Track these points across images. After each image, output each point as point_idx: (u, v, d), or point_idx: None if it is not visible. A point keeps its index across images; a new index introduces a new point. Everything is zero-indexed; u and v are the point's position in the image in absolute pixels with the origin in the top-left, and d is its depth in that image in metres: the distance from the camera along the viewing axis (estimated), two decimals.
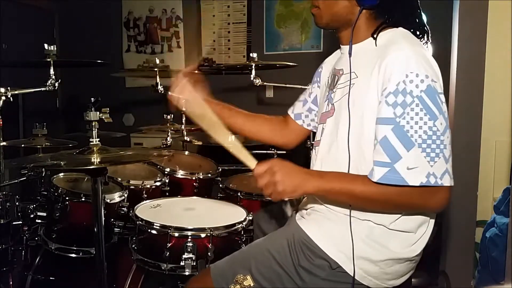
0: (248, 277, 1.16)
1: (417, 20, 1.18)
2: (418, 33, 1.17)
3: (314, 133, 1.35)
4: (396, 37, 1.11)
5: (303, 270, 1.14)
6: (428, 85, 1.00)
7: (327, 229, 1.15)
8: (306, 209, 1.25)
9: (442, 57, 2.50)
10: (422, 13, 1.19)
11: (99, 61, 1.89)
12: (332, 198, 1.12)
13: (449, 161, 1.01)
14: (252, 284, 1.15)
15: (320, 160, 1.22)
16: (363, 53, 1.15)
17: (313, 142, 1.34)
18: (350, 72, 1.15)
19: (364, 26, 1.16)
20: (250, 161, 1.14)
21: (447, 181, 1.00)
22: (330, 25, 1.21)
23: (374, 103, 1.06)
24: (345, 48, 1.21)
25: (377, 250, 1.11)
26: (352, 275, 1.10)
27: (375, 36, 1.13)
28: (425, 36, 1.18)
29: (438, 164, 0.99)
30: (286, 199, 1.15)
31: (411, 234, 1.13)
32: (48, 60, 1.74)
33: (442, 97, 1.03)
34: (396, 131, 1.00)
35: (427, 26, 1.19)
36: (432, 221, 1.17)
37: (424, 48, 1.12)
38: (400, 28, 1.15)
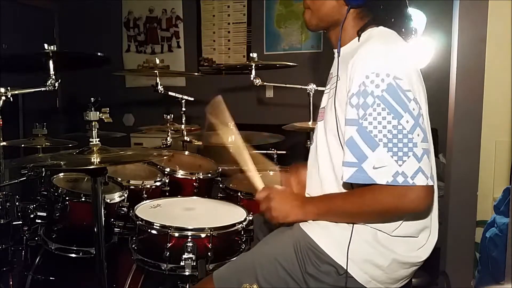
0: (255, 286, 1.13)
1: (404, 19, 1.17)
2: (403, 32, 1.16)
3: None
4: (371, 36, 1.11)
5: (310, 277, 1.12)
6: (389, 84, 0.99)
7: (332, 233, 1.13)
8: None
9: (442, 57, 2.52)
10: (409, 12, 1.19)
11: (98, 53, 1.88)
12: (330, 220, 1.15)
13: (422, 159, 0.98)
14: None
15: (313, 162, 1.23)
16: (346, 54, 1.15)
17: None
18: (337, 75, 1.16)
19: (351, 27, 1.17)
20: (258, 184, 1.29)
21: (421, 181, 0.97)
22: (319, 26, 1.22)
23: (345, 104, 1.06)
24: (335, 51, 1.22)
25: (382, 254, 1.10)
26: (358, 279, 1.09)
27: (359, 33, 1.13)
28: (411, 35, 1.18)
29: (408, 163, 0.97)
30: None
31: (414, 239, 1.13)
32: (48, 58, 1.74)
33: (410, 94, 1.00)
34: (360, 132, 1.00)
35: (413, 25, 1.19)
36: (435, 227, 1.16)
37: (399, 45, 1.10)
38: (380, 27, 1.14)
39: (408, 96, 1.00)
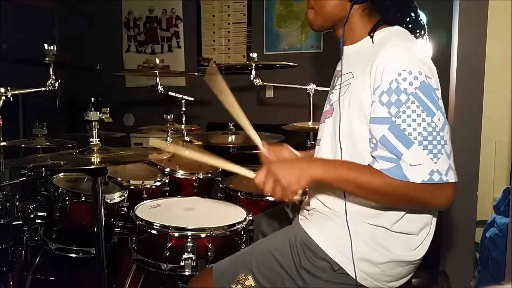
0: (250, 277, 1.16)
1: (412, 15, 1.17)
2: (414, 29, 1.16)
3: (315, 133, 1.35)
4: (390, 35, 1.11)
5: (305, 271, 1.13)
6: (422, 82, 1.00)
7: (328, 230, 1.14)
8: (308, 210, 1.24)
9: (442, 57, 2.52)
10: (418, 9, 1.19)
11: (97, 67, 1.88)
12: (337, 187, 1.08)
13: (451, 157, 1.00)
14: (253, 284, 1.15)
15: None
16: (359, 52, 1.15)
17: (313, 142, 1.34)
18: (341, 70, 1.15)
19: (359, 24, 1.16)
20: (248, 173, 1.13)
21: (452, 177, 0.99)
22: (324, 26, 1.21)
23: (369, 102, 1.05)
24: (344, 49, 1.21)
25: (379, 252, 1.10)
26: (354, 277, 1.09)
27: (371, 34, 1.13)
28: (422, 32, 1.17)
29: (441, 160, 0.98)
30: (297, 197, 1.06)
31: (414, 237, 1.13)
32: (48, 60, 1.74)
33: (438, 93, 1.02)
34: (393, 130, 1.00)
35: (423, 22, 1.18)
36: (434, 224, 1.16)
37: (418, 45, 1.11)
38: (396, 26, 1.14)
39: (437, 95, 1.01)
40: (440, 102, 1.01)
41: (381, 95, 1.01)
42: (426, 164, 0.98)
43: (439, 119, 0.99)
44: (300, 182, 1.04)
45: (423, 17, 1.21)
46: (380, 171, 1.01)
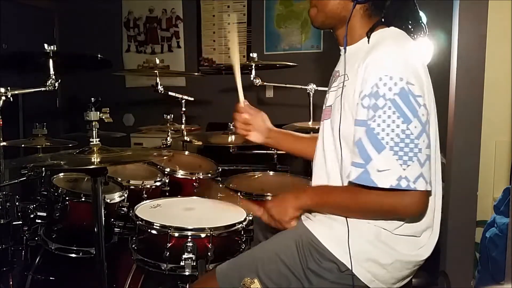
0: (256, 280, 1.14)
1: (413, 15, 1.17)
2: (414, 30, 1.16)
3: (315, 133, 1.36)
4: (383, 37, 1.11)
5: (312, 273, 1.13)
6: (402, 88, 0.99)
7: (335, 231, 1.14)
8: (312, 211, 1.24)
9: (442, 57, 2.52)
10: (418, 9, 1.18)
11: (98, 56, 1.88)
12: (326, 211, 1.17)
13: (424, 165, 0.99)
14: (259, 287, 1.14)
15: (320, 160, 1.23)
16: (355, 54, 1.14)
17: None
18: (339, 71, 1.16)
19: (359, 25, 1.16)
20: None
21: (422, 185, 0.98)
22: (325, 24, 1.21)
23: (356, 104, 1.06)
24: (342, 50, 1.21)
25: (385, 252, 1.10)
26: (361, 278, 1.10)
27: (369, 34, 1.13)
28: (421, 33, 1.17)
29: (411, 167, 0.98)
30: (295, 222, 1.23)
31: (416, 238, 1.13)
32: (48, 58, 1.74)
33: (421, 100, 1.00)
34: (368, 134, 1.00)
35: (424, 23, 1.18)
36: (437, 227, 1.16)
37: (411, 49, 1.09)
38: (392, 28, 1.14)
39: (419, 102, 1.00)
40: (421, 110, 1.00)
41: (363, 98, 1.02)
42: (394, 169, 0.98)
43: (415, 127, 0.98)
44: (288, 214, 1.21)
45: (423, 18, 1.21)
46: (351, 187, 1.06)
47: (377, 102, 0.99)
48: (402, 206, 1.02)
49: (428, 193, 1.02)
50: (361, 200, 1.06)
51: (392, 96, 0.99)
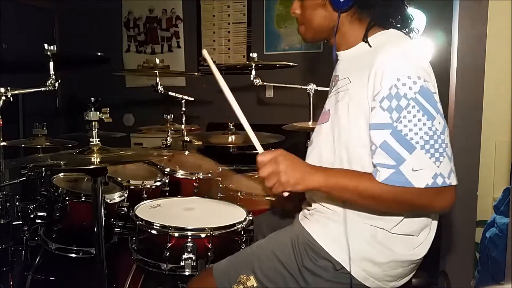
0: (252, 277, 1.15)
1: (403, 14, 1.17)
2: (405, 27, 1.16)
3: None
4: (386, 40, 1.11)
5: (307, 271, 1.13)
6: (421, 86, 1.00)
7: (330, 229, 1.14)
8: (309, 210, 1.24)
9: (442, 57, 2.52)
10: (407, 8, 1.18)
11: (98, 53, 1.88)
12: (336, 195, 1.08)
13: (452, 159, 1.01)
14: (255, 285, 1.15)
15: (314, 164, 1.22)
16: (356, 58, 1.15)
17: None
18: (338, 75, 1.17)
19: (351, 31, 1.16)
20: (258, 147, 1.14)
21: (454, 180, 1.00)
22: (317, 38, 1.23)
23: (368, 108, 1.05)
24: (340, 54, 1.22)
25: (380, 252, 1.10)
26: (356, 276, 1.10)
27: (365, 40, 1.13)
28: (413, 32, 1.17)
29: (443, 163, 0.99)
30: (287, 193, 1.08)
31: (414, 237, 1.13)
32: (48, 59, 1.74)
33: (436, 96, 1.03)
34: (395, 136, 1.00)
35: (414, 25, 1.18)
36: (435, 225, 1.16)
37: (416, 49, 1.10)
38: (391, 30, 1.15)
39: (436, 98, 1.02)
40: (439, 105, 1.02)
41: (382, 101, 1.01)
42: (429, 168, 0.98)
43: (439, 123, 1.00)
44: (296, 186, 1.06)
45: (421, 17, 1.21)
46: (377, 183, 1.01)
47: (400, 103, 0.99)
48: (437, 203, 1.02)
49: (457, 186, 1.03)
50: (396, 196, 1.00)
51: (413, 95, 0.99)
